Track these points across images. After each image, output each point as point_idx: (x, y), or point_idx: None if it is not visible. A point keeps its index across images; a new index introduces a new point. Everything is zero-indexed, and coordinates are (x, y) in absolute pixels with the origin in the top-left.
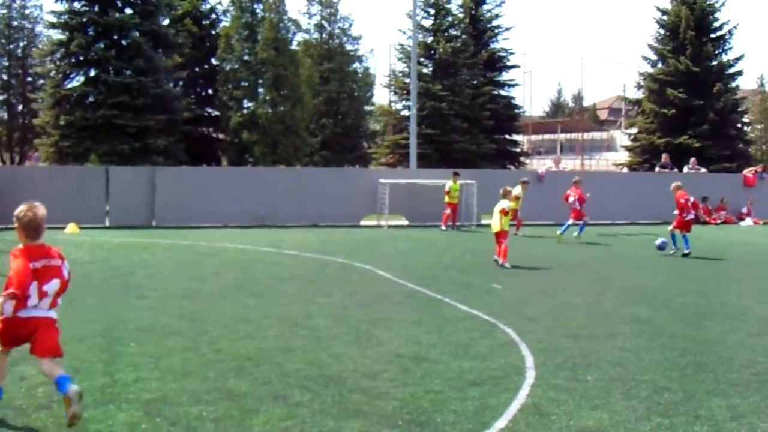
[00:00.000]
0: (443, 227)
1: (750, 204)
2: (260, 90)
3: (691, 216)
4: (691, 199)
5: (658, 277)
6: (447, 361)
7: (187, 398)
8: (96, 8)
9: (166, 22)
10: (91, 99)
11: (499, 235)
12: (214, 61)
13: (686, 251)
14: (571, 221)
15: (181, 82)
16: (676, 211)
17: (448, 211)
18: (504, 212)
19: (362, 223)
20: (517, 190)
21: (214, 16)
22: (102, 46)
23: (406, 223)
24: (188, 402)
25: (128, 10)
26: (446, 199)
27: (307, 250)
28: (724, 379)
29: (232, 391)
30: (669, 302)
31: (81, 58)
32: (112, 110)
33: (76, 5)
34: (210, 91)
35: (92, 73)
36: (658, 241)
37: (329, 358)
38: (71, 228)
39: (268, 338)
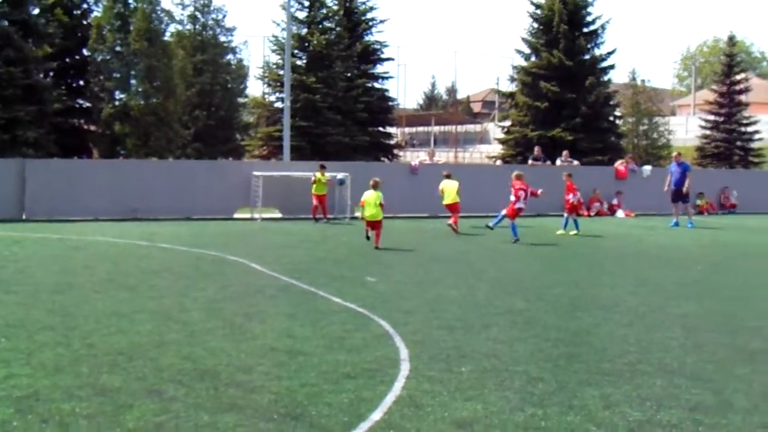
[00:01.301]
0: (314, 219)
1: (619, 196)
2: (132, 81)
3: (520, 205)
4: (529, 189)
5: (531, 268)
6: (321, 354)
7: (60, 394)
8: None
9: (36, 11)
10: None
11: (379, 224)
12: (85, 52)
13: (515, 238)
14: (566, 215)
15: (51, 73)
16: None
17: (315, 202)
18: (382, 205)
19: (235, 215)
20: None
21: (85, 5)
22: None
23: (279, 215)
24: (61, 398)
25: None
26: (312, 190)
27: (180, 243)
28: (596, 369)
29: (105, 387)
30: (542, 294)
31: None
32: None
33: None
34: (81, 83)
35: None
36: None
37: (203, 352)
38: None
39: (141, 333)
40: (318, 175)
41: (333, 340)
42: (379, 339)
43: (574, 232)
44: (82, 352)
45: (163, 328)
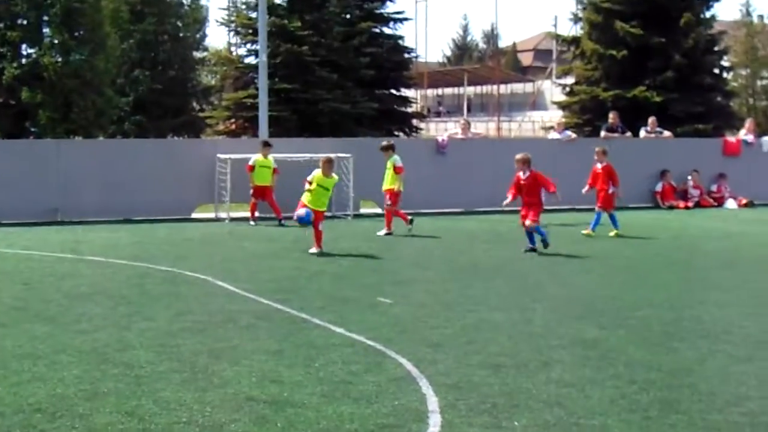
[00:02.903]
0: (251, 222)
1: (722, 180)
2: (45, 30)
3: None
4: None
5: (607, 283)
6: (318, 406)
7: None
8: None
9: None
10: None
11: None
12: None
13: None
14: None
15: None
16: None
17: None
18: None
19: (194, 215)
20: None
21: None
22: None
23: (255, 214)
24: None
25: None
26: (253, 180)
27: (118, 255)
28: (702, 421)
29: None
30: (623, 318)
31: None
32: None
33: None
34: None
35: None
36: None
37: (154, 406)
38: None
39: (66, 380)
40: (259, 158)
41: (334, 385)
42: (399, 383)
43: (614, 231)
44: None
45: (97, 374)
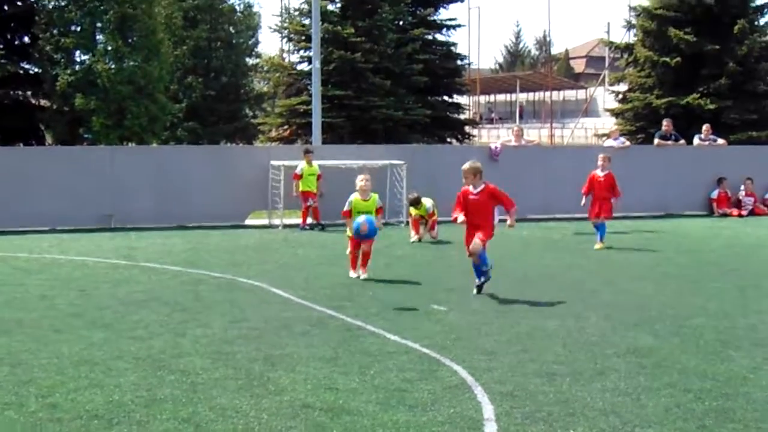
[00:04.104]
0: (302, 226)
1: None
2: (99, 37)
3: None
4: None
5: (661, 290)
6: (374, 414)
7: None
8: None
9: None
10: None
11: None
12: None
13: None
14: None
15: None
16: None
17: (310, 202)
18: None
19: (248, 222)
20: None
21: None
22: None
23: (309, 221)
24: None
25: None
26: (299, 187)
27: (172, 261)
28: (758, 430)
29: None
30: (678, 326)
31: None
32: None
33: None
34: (26, 39)
35: None
36: None
37: (210, 413)
38: None
39: (123, 387)
40: (305, 166)
41: (389, 393)
42: (453, 391)
43: (600, 245)
44: (40, 416)
45: (153, 381)
